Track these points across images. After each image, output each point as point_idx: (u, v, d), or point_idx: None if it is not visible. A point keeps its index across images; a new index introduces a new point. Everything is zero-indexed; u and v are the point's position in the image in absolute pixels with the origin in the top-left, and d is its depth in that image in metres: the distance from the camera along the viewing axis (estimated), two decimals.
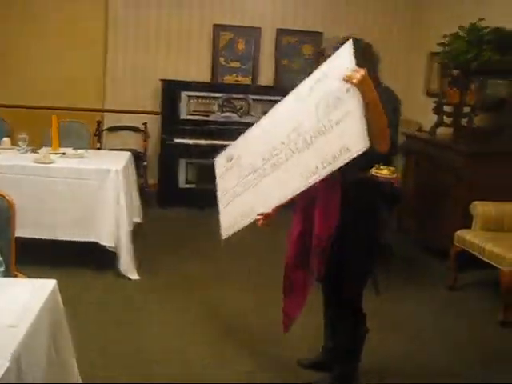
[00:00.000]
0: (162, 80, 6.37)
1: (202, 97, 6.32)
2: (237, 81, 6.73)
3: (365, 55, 2.51)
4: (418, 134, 5.93)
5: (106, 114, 6.58)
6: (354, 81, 2.12)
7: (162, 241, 5.14)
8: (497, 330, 3.85)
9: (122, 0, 6.43)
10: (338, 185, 2.55)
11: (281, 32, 6.75)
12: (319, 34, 6.68)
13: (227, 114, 6.31)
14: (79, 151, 4.60)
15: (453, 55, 5.13)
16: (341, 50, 2.26)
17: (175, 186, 6.32)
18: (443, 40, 5.23)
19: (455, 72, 5.56)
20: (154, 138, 6.55)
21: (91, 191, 4.21)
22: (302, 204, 2.73)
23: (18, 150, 4.58)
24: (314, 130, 2.34)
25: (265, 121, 2.65)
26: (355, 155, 2.19)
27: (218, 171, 2.88)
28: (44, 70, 6.37)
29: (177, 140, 6.14)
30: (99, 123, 6.32)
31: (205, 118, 6.29)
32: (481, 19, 4.92)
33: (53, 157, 4.38)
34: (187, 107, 6.29)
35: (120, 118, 6.53)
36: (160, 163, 6.31)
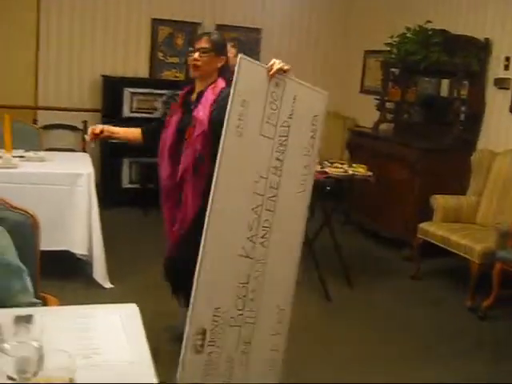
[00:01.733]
0: (103, 76, 6.14)
1: (145, 93, 6.16)
2: (176, 77, 6.62)
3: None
4: (364, 130, 6.16)
5: (40, 112, 6.23)
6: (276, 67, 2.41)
7: (118, 244, 4.97)
8: (466, 316, 4.14)
9: None
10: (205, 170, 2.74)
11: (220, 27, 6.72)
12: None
13: None
14: (39, 153, 4.35)
15: (401, 55, 5.37)
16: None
17: (118, 186, 6.14)
18: (390, 40, 5.47)
19: (397, 71, 5.85)
20: None
21: (61, 197, 4.01)
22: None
23: None
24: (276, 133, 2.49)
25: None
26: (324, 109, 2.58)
27: None
28: None
29: None
30: (35, 122, 5.98)
31: (149, 116, 6.13)
32: (428, 21, 5.20)
33: (13, 161, 4.11)
34: (130, 104, 6.11)
35: (57, 117, 6.21)
36: (102, 163, 6.08)
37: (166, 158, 2.97)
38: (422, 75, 5.78)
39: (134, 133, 3.25)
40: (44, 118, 6.20)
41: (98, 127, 3.16)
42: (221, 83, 2.90)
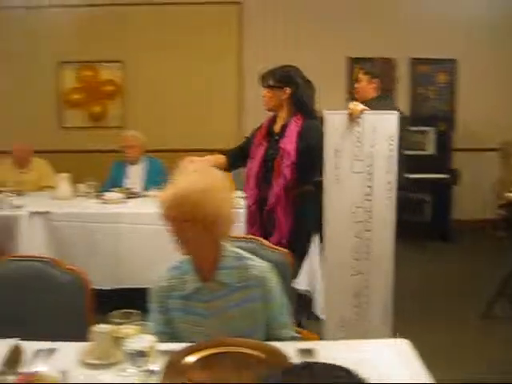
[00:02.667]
0: None
1: None
2: None
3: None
4: None
5: None
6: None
7: None
8: None
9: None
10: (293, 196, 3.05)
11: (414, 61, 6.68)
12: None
13: None
14: None
15: None
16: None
17: None
18: None
19: None
20: None
21: None
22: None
23: None
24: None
25: None
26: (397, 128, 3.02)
27: None
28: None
29: None
30: None
31: None
32: None
33: None
34: None
35: None
36: None
37: (253, 186, 3.23)
38: None
39: (217, 159, 3.35)
40: None
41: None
42: (302, 116, 3.16)
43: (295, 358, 1.71)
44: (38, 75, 6.47)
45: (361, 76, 4.17)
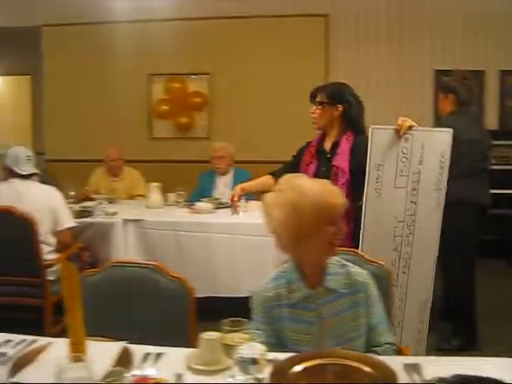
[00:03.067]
0: None
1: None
2: None
3: None
4: None
5: None
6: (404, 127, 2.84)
7: None
8: None
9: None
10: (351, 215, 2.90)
11: (503, 73, 6.45)
12: None
13: None
14: None
15: None
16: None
17: None
18: None
19: None
20: None
21: None
22: None
23: None
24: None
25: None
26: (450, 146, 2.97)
27: None
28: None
29: None
30: None
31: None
32: None
33: None
34: None
35: None
36: None
37: None
38: None
39: (263, 182, 3.39)
40: None
41: (235, 191, 3.38)
42: (352, 133, 3.11)
43: (401, 374, 1.68)
44: (129, 88, 6.70)
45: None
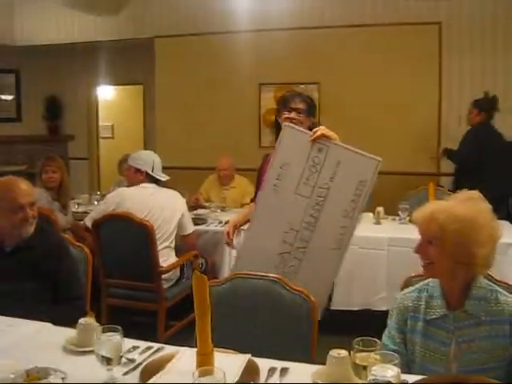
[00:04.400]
0: None
1: None
2: None
3: None
4: None
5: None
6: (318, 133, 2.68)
7: None
8: None
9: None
10: None
11: None
12: None
13: None
14: None
15: None
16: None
17: None
18: None
19: None
20: None
21: None
22: None
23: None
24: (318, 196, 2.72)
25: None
26: (373, 175, 2.70)
27: None
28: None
29: None
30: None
31: None
32: None
33: None
34: None
35: None
36: None
37: None
38: None
39: (249, 212, 3.32)
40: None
41: (230, 229, 3.32)
42: None
43: None
44: (240, 97, 6.78)
45: None
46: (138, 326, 3.39)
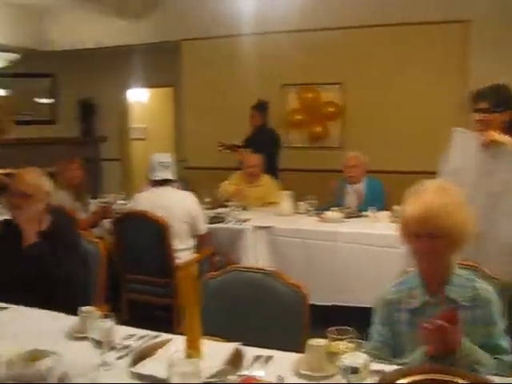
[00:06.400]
0: None
1: None
2: None
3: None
4: None
5: None
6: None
7: None
8: None
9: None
10: None
11: None
12: None
13: None
14: None
15: None
16: None
17: None
18: None
19: None
20: None
21: None
22: None
23: None
24: None
25: None
26: None
27: None
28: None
29: None
30: None
31: None
32: None
33: None
34: None
35: None
36: None
37: None
38: None
39: None
40: None
41: None
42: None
43: None
44: (264, 98, 6.85)
45: None
46: (157, 320, 3.52)
